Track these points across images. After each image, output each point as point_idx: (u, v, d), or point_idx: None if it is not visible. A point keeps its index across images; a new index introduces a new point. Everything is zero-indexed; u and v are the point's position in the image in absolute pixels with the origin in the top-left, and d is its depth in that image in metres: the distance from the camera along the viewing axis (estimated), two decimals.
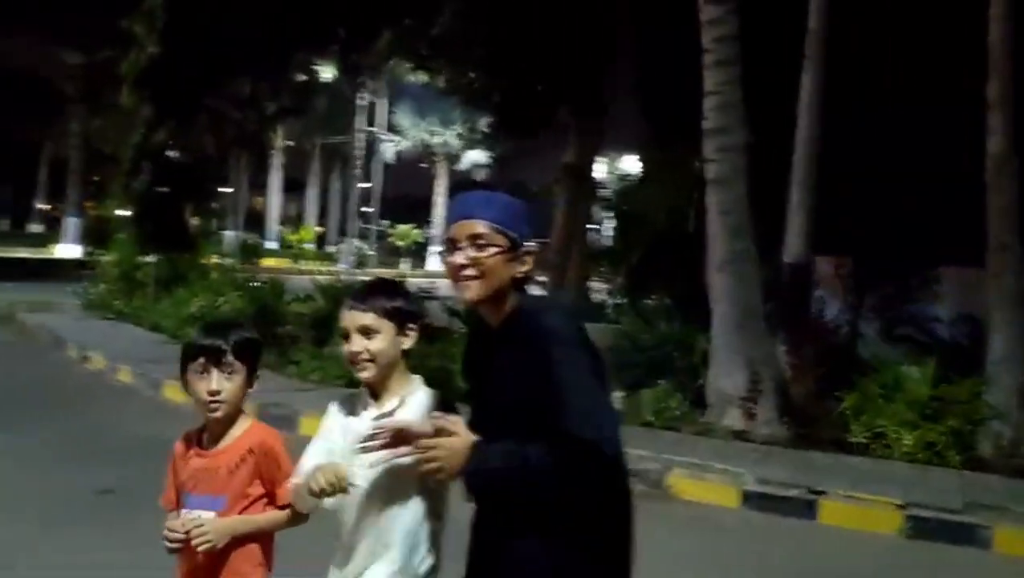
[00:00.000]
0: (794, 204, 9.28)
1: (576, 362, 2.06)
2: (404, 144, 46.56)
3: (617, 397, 8.79)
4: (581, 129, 12.01)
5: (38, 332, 12.68)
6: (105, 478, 6.12)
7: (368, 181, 43.96)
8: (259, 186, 52.79)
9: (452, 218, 2.22)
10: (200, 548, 2.36)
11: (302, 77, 37.65)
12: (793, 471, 7.06)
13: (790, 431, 8.24)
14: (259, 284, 12.86)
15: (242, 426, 2.57)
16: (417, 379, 2.42)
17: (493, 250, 2.13)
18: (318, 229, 53.14)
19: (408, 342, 2.36)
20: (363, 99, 38.55)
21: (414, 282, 13.53)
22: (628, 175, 19.62)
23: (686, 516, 6.48)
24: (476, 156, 46.03)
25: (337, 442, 2.36)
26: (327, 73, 38.20)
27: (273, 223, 50.37)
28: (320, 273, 17.02)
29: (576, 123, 11.95)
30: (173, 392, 9.28)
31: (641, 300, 13.02)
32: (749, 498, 6.70)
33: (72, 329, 12.68)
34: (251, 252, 33.17)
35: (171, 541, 2.40)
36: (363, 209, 44.12)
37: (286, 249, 44.11)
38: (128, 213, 13.44)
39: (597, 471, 2.01)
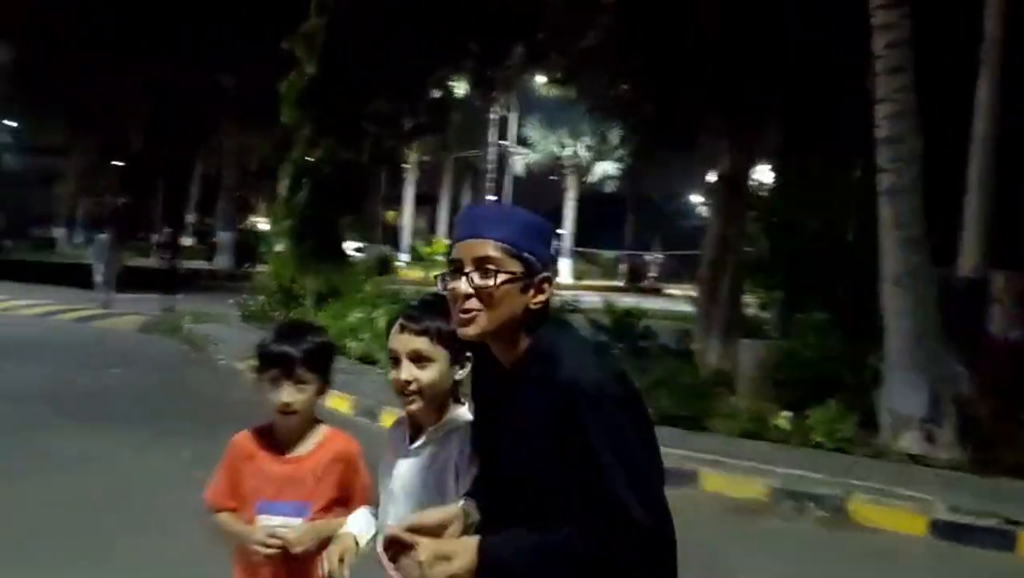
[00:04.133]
0: (970, 215, 8.84)
1: (615, 421, 1.70)
2: (533, 157, 46.84)
3: (783, 416, 8.54)
4: (735, 140, 11.76)
5: (205, 342, 13.27)
6: None
7: (498, 194, 44.44)
8: (391, 200, 54.20)
9: (458, 236, 1.87)
10: (299, 551, 2.36)
11: (437, 93, 38.58)
12: (983, 499, 6.68)
13: (972, 455, 7.79)
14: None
15: (320, 432, 2.55)
16: (461, 411, 2.16)
17: (503, 277, 1.78)
18: (447, 242, 54.09)
19: (463, 373, 2.10)
20: (495, 113, 39.02)
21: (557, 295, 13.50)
22: (763, 184, 19.06)
23: (870, 545, 6.20)
24: (606, 168, 45.87)
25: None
26: (461, 89, 38.97)
27: (406, 236, 51.56)
28: None
29: (730, 134, 11.72)
30: (335, 401, 9.55)
31: (796, 314, 12.62)
32: (937, 527, 6.36)
33: (236, 339, 13.23)
34: (387, 265, 34.03)
35: (271, 548, 2.37)
36: None
37: (418, 262, 44.99)
38: (284, 228, 13.95)
39: (660, 558, 1.68)
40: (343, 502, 2.53)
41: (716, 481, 7.02)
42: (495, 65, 37.50)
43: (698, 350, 11.95)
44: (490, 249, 1.79)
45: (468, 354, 2.06)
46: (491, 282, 1.77)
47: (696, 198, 47.83)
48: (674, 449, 7.67)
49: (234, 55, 25.54)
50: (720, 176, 11.53)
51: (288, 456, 2.52)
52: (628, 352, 10.52)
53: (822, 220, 13.08)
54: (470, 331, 1.81)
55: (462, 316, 1.81)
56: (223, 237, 30.56)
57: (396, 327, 2.11)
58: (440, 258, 42.62)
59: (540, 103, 41.74)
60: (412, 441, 2.15)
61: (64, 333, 14.30)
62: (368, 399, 9.33)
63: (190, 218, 50.86)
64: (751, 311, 13.71)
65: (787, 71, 10.86)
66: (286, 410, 2.45)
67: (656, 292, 41.04)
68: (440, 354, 2.06)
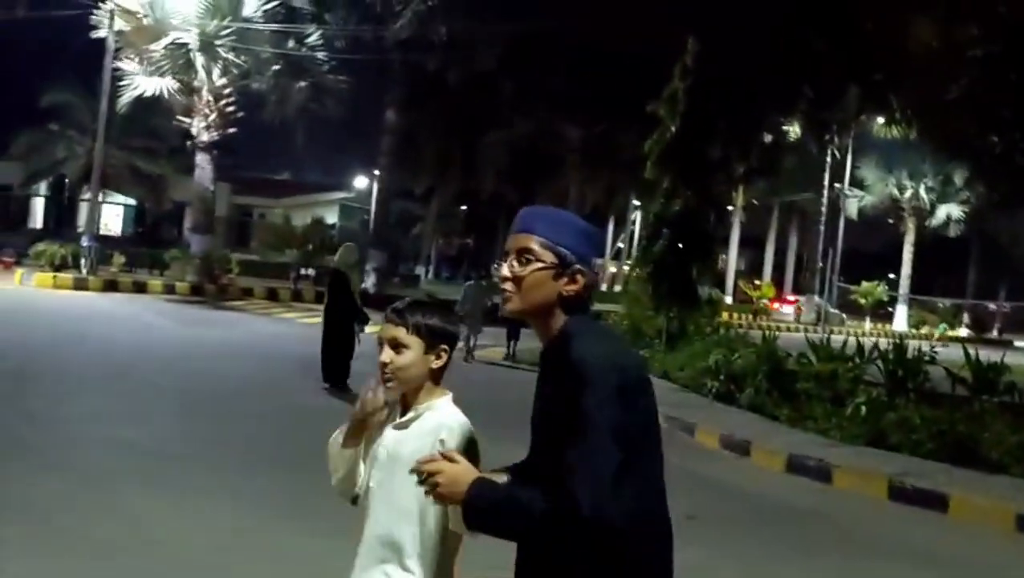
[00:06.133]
0: None
1: (596, 409, 1.91)
2: (868, 199, 45.21)
3: None
4: None
5: None
6: (684, 507, 7.20)
7: (830, 237, 43.36)
8: (717, 242, 54.55)
9: (512, 230, 2.19)
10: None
11: (769, 138, 38.73)
12: None
13: None
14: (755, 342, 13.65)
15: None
16: (446, 396, 2.42)
17: (536, 265, 2.10)
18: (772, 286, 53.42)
19: (438, 363, 2.37)
20: (829, 156, 38.39)
21: (925, 346, 13.37)
22: None
23: None
24: (950, 210, 43.20)
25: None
26: (793, 133, 38.81)
27: (730, 278, 51.71)
28: (788, 330, 17.42)
29: None
30: (704, 437, 10.40)
31: None
32: None
33: None
34: (717, 307, 34.47)
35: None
36: (821, 265, 43.60)
37: (742, 305, 44.92)
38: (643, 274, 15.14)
39: (587, 542, 1.88)
40: None
41: None
42: (829, 108, 37.08)
43: None
44: (531, 242, 2.11)
45: (444, 347, 2.38)
46: (524, 270, 2.11)
47: None
48: None
49: (582, 110, 27.72)
50: None
51: None
52: (993, 407, 10.37)
53: None
54: (507, 307, 2.15)
55: (503, 295, 2.16)
56: None
57: (384, 318, 2.42)
58: (766, 302, 42.44)
59: (876, 144, 40.45)
60: (403, 416, 2.40)
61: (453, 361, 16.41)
62: (736, 433, 10.09)
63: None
64: None
65: None
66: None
67: (1006, 344, 37.83)
68: (414, 342, 2.34)
